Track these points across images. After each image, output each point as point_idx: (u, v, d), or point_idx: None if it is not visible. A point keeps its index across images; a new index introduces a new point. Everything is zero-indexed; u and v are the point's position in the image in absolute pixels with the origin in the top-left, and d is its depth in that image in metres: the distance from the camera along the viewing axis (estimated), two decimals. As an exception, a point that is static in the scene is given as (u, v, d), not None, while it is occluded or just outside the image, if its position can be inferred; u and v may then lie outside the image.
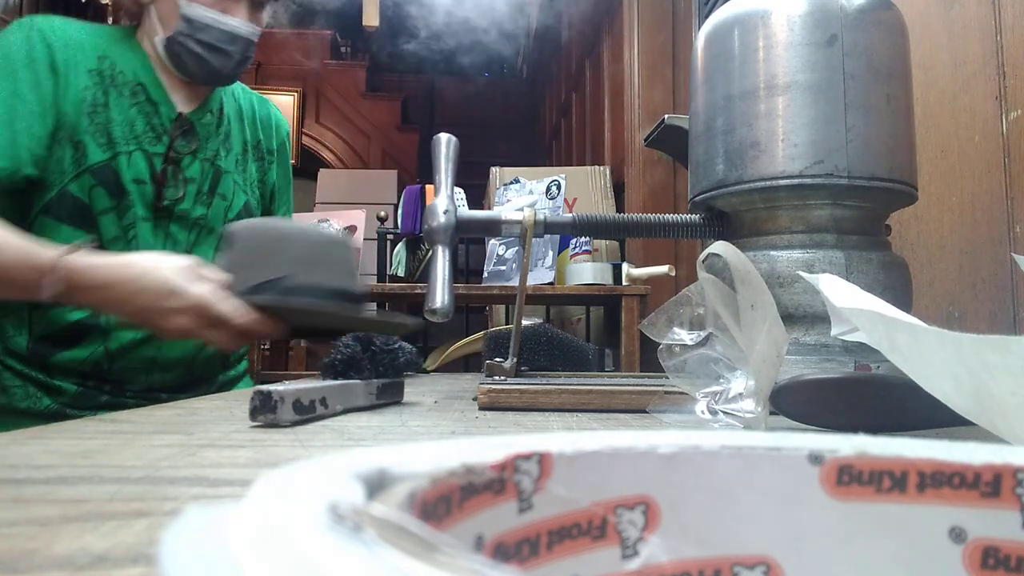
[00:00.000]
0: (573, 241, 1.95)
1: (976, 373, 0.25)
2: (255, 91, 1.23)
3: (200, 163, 1.07)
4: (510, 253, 2.03)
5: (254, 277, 0.84)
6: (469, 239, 2.37)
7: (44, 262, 0.81)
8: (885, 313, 0.31)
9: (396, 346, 0.61)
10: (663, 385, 0.53)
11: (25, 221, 0.95)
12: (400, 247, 2.21)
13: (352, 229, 2.12)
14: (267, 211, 1.21)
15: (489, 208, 2.50)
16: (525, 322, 0.81)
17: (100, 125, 0.98)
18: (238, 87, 1.17)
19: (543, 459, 0.14)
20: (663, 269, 1.79)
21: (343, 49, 7.13)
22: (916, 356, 0.29)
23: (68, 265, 0.82)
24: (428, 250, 0.64)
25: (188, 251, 1.05)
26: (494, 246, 2.09)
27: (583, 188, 2.49)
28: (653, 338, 0.46)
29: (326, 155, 6.15)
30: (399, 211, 2.17)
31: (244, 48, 1.03)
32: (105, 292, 0.83)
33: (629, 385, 0.58)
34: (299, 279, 0.85)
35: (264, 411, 0.43)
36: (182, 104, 1.06)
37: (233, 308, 0.82)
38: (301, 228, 0.93)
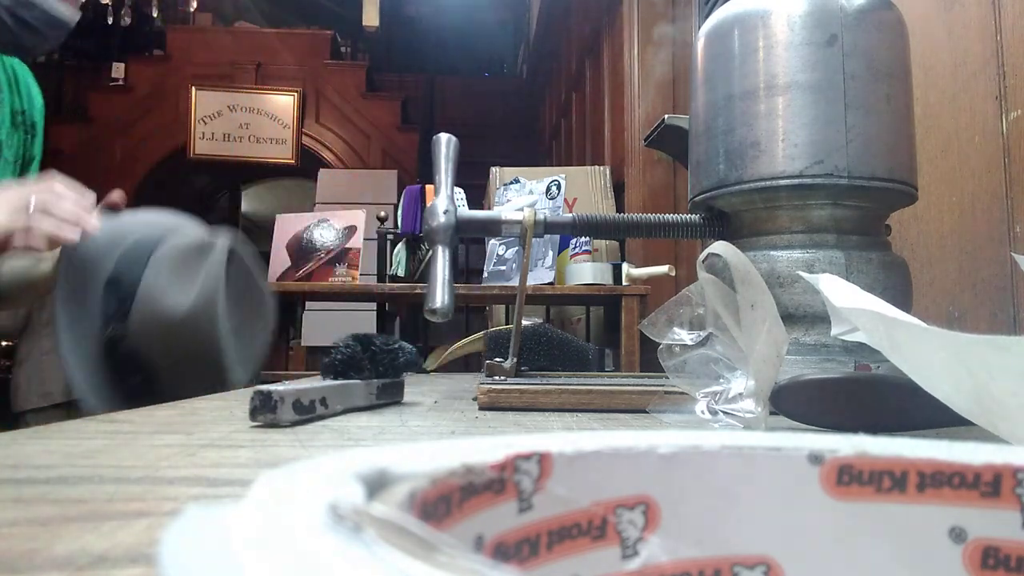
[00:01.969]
0: (573, 241, 1.95)
1: (976, 373, 0.25)
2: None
3: None
4: (510, 253, 2.03)
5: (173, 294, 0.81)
6: (469, 239, 2.37)
7: None
8: (885, 313, 0.31)
9: (396, 346, 0.61)
10: (663, 385, 0.53)
11: None
12: (400, 247, 2.21)
13: (352, 229, 2.13)
14: None
15: (489, 208, 2.50)
16: (525, 322, 0.81)
17: None
18: None
19: (543, 459, 0.14)
20: (663, 269, 1.79)
21: (343, 49, 7.13)
22: (916, 356, 0.29)
23: None
24: (428, 250, 0.64)
25: None
26: (494, 246, 2.09)
27: (583, 188, 2.49)
28: (653, 338, 0.46)
29: (326, 155, 6.16)
30: (399, 211, 2.17)
31: (61, 36, 0.96)
32: None
33: (629, 385, 0.58)
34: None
35: (264, 411, 0.43)
36: None
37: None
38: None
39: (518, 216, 0.69)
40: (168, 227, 0.88)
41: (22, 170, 1.12)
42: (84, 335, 0.80)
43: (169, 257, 0.83)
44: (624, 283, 1.87)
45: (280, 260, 2.11)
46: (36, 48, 0.97)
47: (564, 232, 0.72)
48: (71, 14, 0.96)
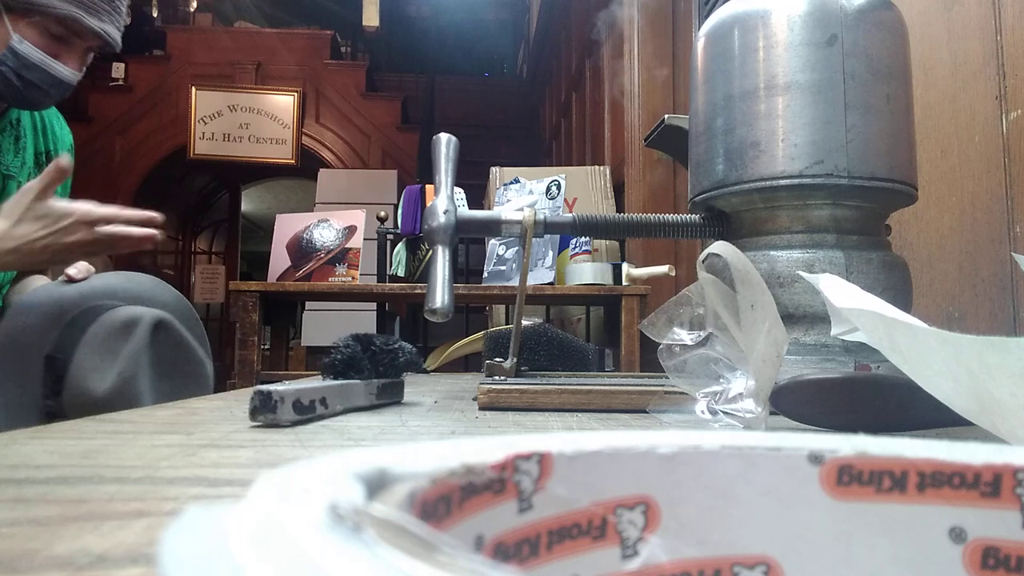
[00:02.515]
0: (573, 241, 1.94)
1: (976, 374, 0.25)
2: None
3: None
4: (510, 253, 2.03)
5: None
6: (469, 239, 2.37)
7: None
8: (885, 313, 0.31)
9: (396, 346, 0.61)
10: (663, 385, 0.53)
11: None
12: (400, 247, 2.21)
13: (352, 229, 2.13)
14: None
15: (489, 208, 2.50)
16: (525, 322, 0.81)
17: None
18: None
19: (543, 459, 0.14)
20: (663, 269, 1.79)
21: (343, 49, 7.13)
22: (916, 356, 0.29)
23: None
24: (428, 250, 0.64)
25: None
26: (494, 246, 2.09)
27: (583, 188, 2.49)
28: (653, 338, 0.46)
29: (326, 155, 6.16)
30: (399, 211, 2.17)
31: (64, 92, 1.05)
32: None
33: (629, 385, 0.58)
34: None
35: (264, 411, 0.43)
36: None
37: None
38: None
39: (518, 216, 0.69)
40: (109, 301, 0.96)
41: None
42: (22, 405, 0.91)
43: (97, 337, 0.90)
44: (624, 283, 1.87)
45: (280, 260, 2.11)
46: (39, 103, 1.06)
47: (564, 232, 0.72)
48: (71, 75, 1.05)
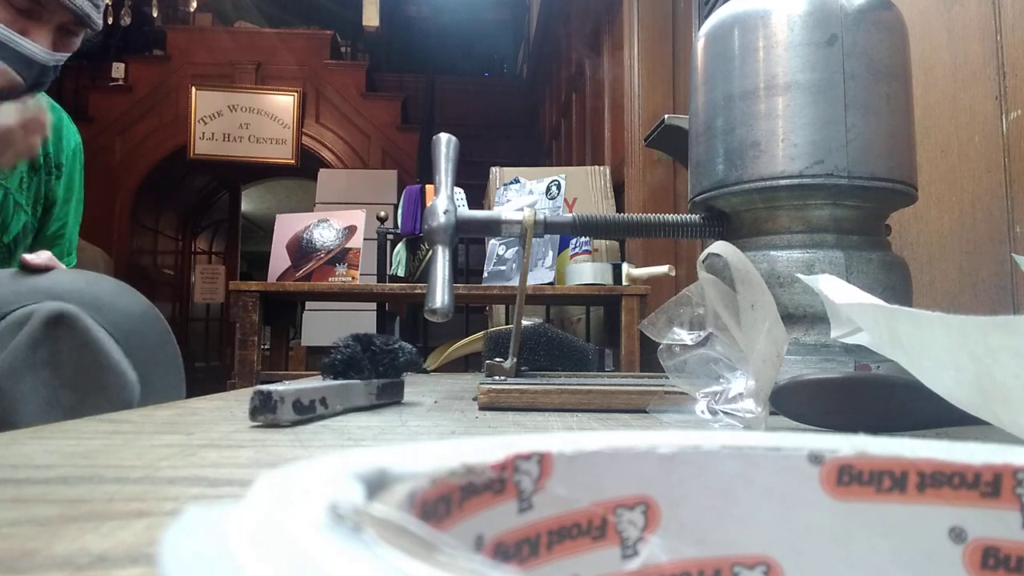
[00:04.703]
0: (573, 241, 1.94)
1: (979, 358, 0.25)
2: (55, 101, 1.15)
3: None
4: (510, 253, 2.03)
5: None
6: (469, 239, 2.37)
7: None
8: (885, 306, 0.31)
9: (396, 346, 0.61)
10: (663, 385, 0.53)
11: None
12: (400, 247, 2.21)
13: (352, 229, 2.13)
14: (38, 227, 1.14)
15: (489, 208, 2.50)
16: (525, 322, 0.81)
17: None
18: None
19: (543, 459, 0.14)
20: (663, 269, 1.79)
21: (343, 49, 7.13)
22: (918, 348, 0.29)
23: None
24: (428, 250, 0.64)
25: None
26: (494, 246, 2.09)
27: (583, 188, 2.49)
28: (653, 338, 0.46)
29: (326, 155, 6.16)
30: (399, 211, 2.17)
31: (39, 74, 0.98)
32: None
33: (629, 385, 0.58)
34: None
35: (264, 411, 0.43)
36: None
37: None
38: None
39: (518, 216, 0.69)
40: (48, 301, 0.89)
41: (43, 211, 1.14)
42: None
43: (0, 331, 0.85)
44: (624, 283, 1.86)
45: (280, 260, 2.11)
46: (13, 90, 0.98)
47: (564, 232, 0.72)
48: (45, 55, 0.97)
